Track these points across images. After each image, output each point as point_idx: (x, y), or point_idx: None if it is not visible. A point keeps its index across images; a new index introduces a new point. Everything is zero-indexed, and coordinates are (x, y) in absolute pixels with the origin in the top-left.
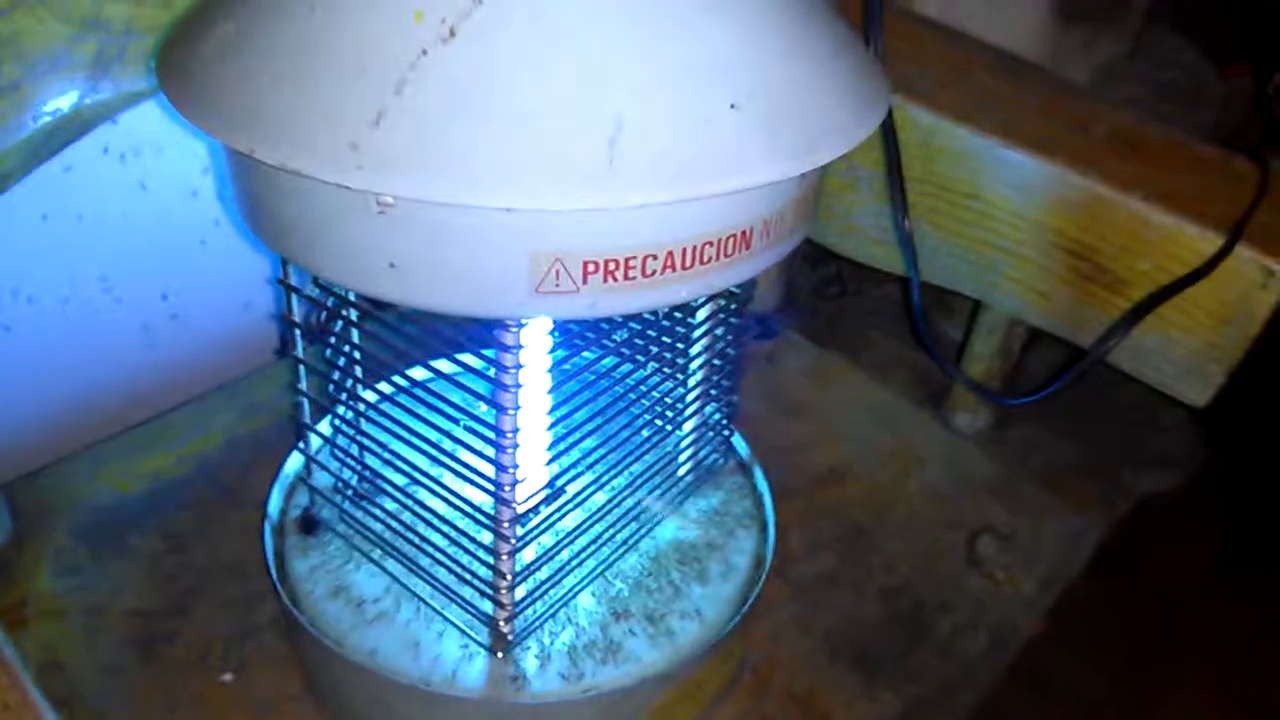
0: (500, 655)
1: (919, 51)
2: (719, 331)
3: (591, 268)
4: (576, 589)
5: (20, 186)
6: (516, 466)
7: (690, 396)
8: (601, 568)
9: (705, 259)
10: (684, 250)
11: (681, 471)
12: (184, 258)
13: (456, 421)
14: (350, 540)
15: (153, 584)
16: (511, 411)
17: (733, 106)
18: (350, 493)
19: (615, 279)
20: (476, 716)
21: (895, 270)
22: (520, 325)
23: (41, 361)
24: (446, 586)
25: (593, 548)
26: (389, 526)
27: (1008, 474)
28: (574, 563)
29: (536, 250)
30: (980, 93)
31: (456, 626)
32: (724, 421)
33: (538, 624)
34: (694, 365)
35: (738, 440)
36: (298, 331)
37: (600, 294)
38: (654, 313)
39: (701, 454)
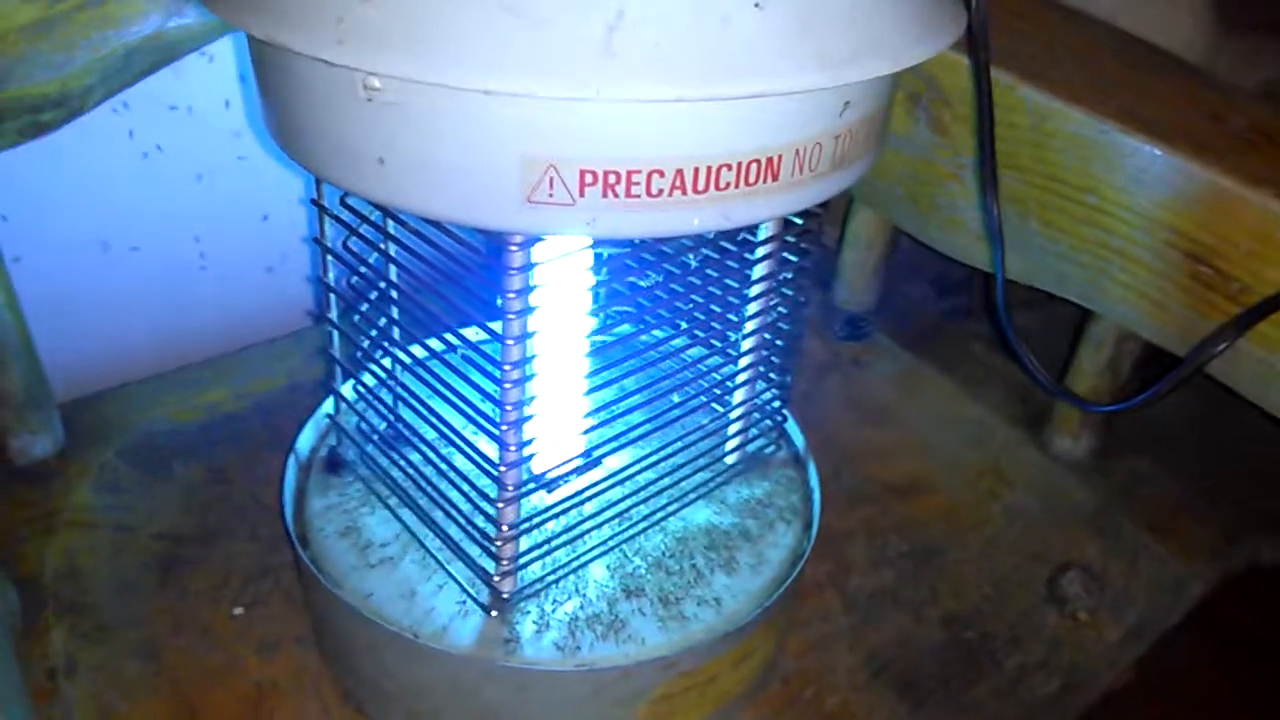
0: (495, 615)
1: (1039, 31)
2: (773, 303)
3: (589, 178)
4: (585, 557)
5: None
6: (520, 404)
7: (740, 378)
8: (617, 539)
9: (721, 184)
10: (695, 170)
11: (729, 456)
12: (285, 219)
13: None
14: (369, 484)
15: (186, 511)
16: (513, 342)
17: (757, 5)
18: (376, 437)
19: (616, 194)
20: (463, 675)
21: (1012, 276)
22: (526, 244)
23: (123, 295)
24: (452, 540)
25: (608, 515)
26: (406, 474)
27: (1106, 508)
28: (586, 528)
29: (528, 152)
30: (1102, 76)
31: (456, 581)
32: (777, 405)
33: (539, 587)
34: (745, 341)
35: (793, 430)
36: (329, 258)
37: (599, 210)
38: (702, 275)
39: (750, 437)
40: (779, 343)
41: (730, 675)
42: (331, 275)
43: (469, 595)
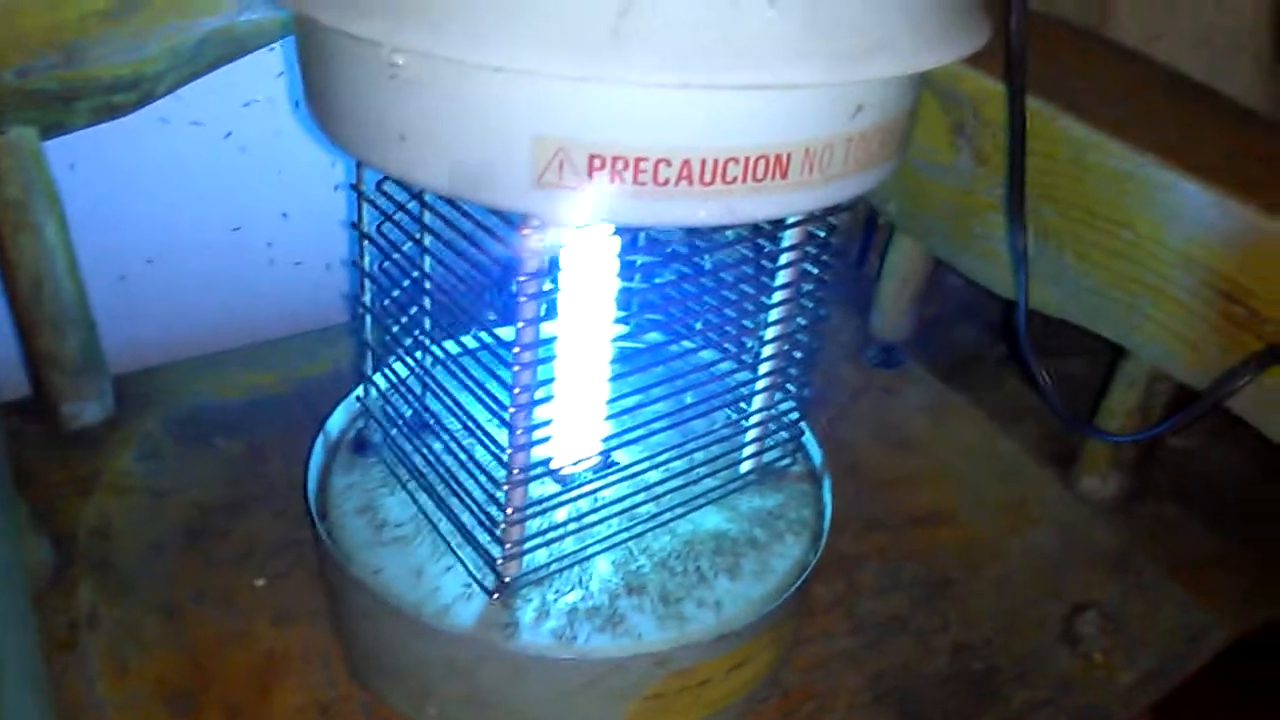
0: (496, 598)
1: (1090, 67)
2: (793, 314)
3: (597, 163)
4: (590, 550)
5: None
6: (529, 388)
7: (759, 385)
8: (624, 536)
9: (728, 178)
10: (702, 162)
11: (743, 464)
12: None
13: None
14: (391, 467)
15: (221, 483)
16: (525, 325)
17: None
18: (400, 422)
19: (623, 180)
20: (461, 655)
21: (1042, 309)
22: (540, 227)
23: (186, 278)
24: (463, 524)
25: (615, 510)
26: (425, 458)
27: (1129, 551)
28: (590, 522)
29: (539, 133)
30: (1149, 113)
31: (463, 564)
32: (795, 418)
33: (542, 575)
34: (765, 348)
35: (811, 445)
36: (367, 244)
37: (607, 196)
38: (725, 283)
39: (765, 447)
40: (798, 355)
41: (724, 681)
42: (367, 261)
43: (474, 578)
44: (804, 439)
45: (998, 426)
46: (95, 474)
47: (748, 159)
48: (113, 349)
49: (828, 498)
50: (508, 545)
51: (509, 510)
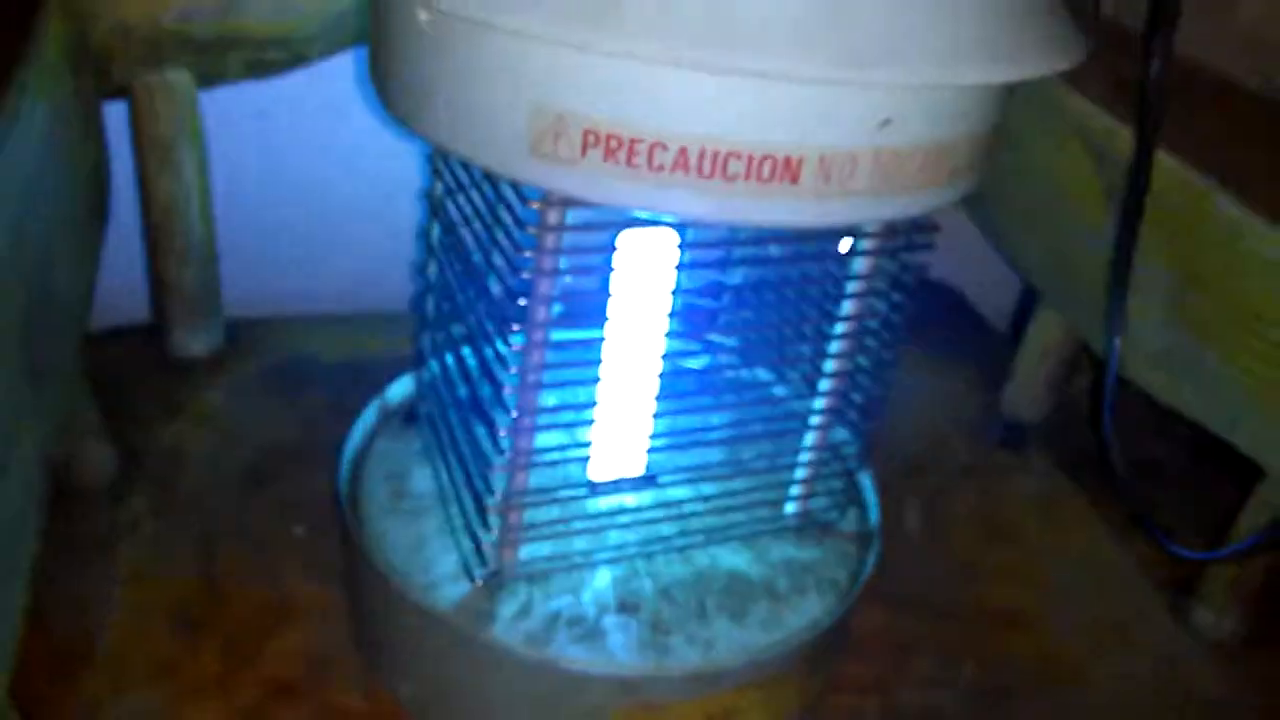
0: (480, 585)
1: (1242, 132)
2: (858, 355)
3: (592, 139)
4: (595, 559)
5: None
6: (531, 369)
7: (812, 420)
8: (634, 551)
9: (730, 174)
10: (701, 151)
11: (784, 505)
12: None
13: None
14: (426, 441)
15: (294, 433)
16: (528, 301)
17: None
18: (432, 395)
19: (616, 160)
20: (432, 635)
21: (1180, 408)
22: (557, 203)
23: (320, 237)
24: (464, 506)
25: (628, 520)
26: (449, 435)
27: (1232, 704)
28: (601, 528)
29: (539, 100)
30: None
31: (459, 547)
32: (850, 468)
33: (536, 572)
34: (822, 383)
35: (872, 503)
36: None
37: (600, 175)
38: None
39: (813, 492)
40: (856, 397)
41: None
42: (435, 233)
43: (465, 562)
44: (864, 493)
45: (1113, 535)
46: (184, 402)
47: (751, 156)
48: (233, 293)
49: (870, 561)
50: (495, 531)
51: (497, 494)
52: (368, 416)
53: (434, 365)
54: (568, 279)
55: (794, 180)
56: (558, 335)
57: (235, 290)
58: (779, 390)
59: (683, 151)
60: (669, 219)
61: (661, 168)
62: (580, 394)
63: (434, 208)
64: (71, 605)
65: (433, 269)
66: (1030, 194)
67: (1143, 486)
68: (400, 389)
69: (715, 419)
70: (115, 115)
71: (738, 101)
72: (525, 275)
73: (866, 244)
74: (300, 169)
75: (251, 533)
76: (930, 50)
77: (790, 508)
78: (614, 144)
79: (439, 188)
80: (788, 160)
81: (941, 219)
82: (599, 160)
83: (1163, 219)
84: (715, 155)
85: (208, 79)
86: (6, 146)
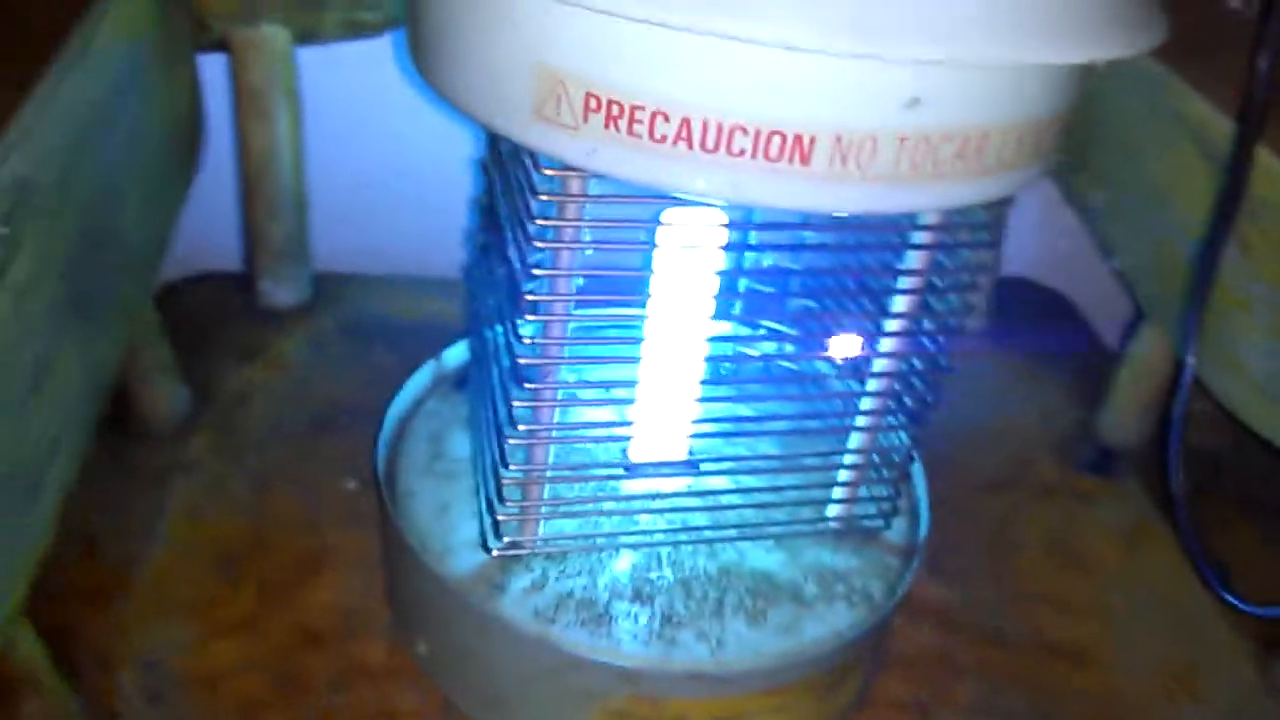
0: (494, 556)
1: None
2: (912, 358)
3: (593, 103)
4: (617, 542)
5: None
6: (551, 343)
7: (859, 421)
8: (660, 539)
9: (735, 149)
10: (704, 123)
11: (824, 508)
12: None
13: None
14: (470, 405)
15: (362, 388)
16: (545, 272)
17: None
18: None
19: (617, 128)
20: (439, 600)
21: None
22: (579, 173)
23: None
24: (487, 480)
25: (654, 506)
26: (482, 406)
27: None
28: (627, 510)
29: (540, 61)
30: None
31: (479, 518)
32: (893, 477)
33: (555, 550)
34: (870, 381)
35: (924, 513)
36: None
37: (601, 143)
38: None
39: (856, 497)
40: (907, 400)
41: None
42: (484, 203)
43: (482, 531)
44: (916, 503)
45: (1201, 576)
46: (260, 348)
47: (758, 131)
48: (324, 248)
49: (909, 574)
50: (510, 504)
51: (513, 467)
52: (421, 376)
53: (475, 334)
54: (589, 252)
55: (805, 161)
56: (584, 311)
57: (325, 244)
58: (836, 385)
59: (685, 122)
60: (681, 195)
61: (664, 139)
62: (612, 372)
63: (485, 176)
64: (121, 535)
65: (481, 239)
66: (1137, 201)
67: (1213, 527)
68: (457, 353)
69: (765, 409)
70: (217, 68)
71: (742, 72)
72: (540, 245)
73: (918, 237)
74: (390, 129)
75: (302, 482)
76: (964, 22)
77: (832, 511)
78: (615, 110)
79: (489, 156)
80: (798, 138)
81: (1055, 224)
82: (600, 127)
83: (1270, 230)
84: (719, 128)
85: (304, 36)
86: (70, 77)
